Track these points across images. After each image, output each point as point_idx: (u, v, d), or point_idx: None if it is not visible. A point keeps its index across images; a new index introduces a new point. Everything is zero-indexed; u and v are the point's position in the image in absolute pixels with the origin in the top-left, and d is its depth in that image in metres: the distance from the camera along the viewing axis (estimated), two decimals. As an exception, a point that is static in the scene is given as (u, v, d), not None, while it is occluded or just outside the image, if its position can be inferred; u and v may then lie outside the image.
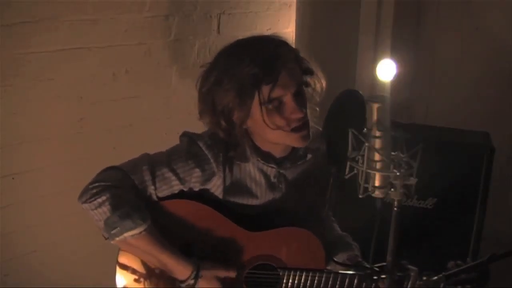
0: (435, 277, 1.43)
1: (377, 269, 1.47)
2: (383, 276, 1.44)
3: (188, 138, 1.64)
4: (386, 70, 1.20)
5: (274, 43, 1.56)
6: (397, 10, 3.13)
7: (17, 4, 2.01)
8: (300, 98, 1.55)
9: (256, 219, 1.65)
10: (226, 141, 1.60)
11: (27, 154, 2.15)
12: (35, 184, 2.20)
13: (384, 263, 1.31)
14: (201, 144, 1.60)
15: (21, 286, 2.20)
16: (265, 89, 1.49)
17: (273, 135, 1.56)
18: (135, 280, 1.60)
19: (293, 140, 1.58)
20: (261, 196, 1.66)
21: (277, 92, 1.50)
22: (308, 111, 1.60)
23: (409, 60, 3.04)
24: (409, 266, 1.40)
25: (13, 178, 2.13)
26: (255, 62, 1.49)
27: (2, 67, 2.01)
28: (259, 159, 1.62)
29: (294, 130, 1.54)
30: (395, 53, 3.06)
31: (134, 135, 2.46)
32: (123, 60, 2.38)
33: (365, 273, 1.49)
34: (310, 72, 1.60)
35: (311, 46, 3.08)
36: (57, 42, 2.14)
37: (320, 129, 1.74)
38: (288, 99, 1.52)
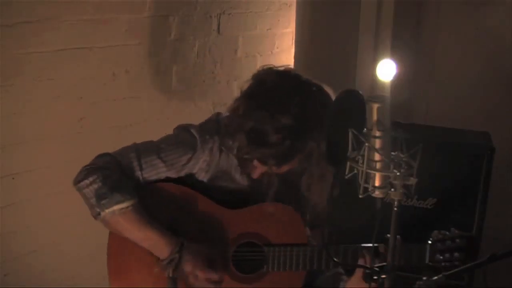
0: (435, 277, 1.42)
1: (377, 269, 1.47)
2: (383, 276, 1.44)
3: (181, 127, 1.71)
4: (386, 70, 1.20)
5: None
6: (397, 10, 3.13)
7: (17, 4, 2.01)
8: None
9: (238, 201, 1.70)
10: (219, 130, 1.66)
11: (27, 154, 2.15)
12: (35, 184, 2.20)
13: (384, 263, 1.31)
14: (192, 130, 1.67)
15: (21, 286, 2.20)
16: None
17: None
18: None
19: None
20: (244, 186, 1.71)
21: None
22: None
23: (409, 60, 3.03)
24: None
25: (13, 178, 2.13)
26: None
27: (2, 67, 2.01)
28: None
29: None
30: (395, 53, 3.05)
31: (134, 135, 2.44)
32: (123, 60, 2.38)
33: (365, 273, 1.49)
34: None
35: (311, 46, 3.08)
36: (57, 42, 2.14)
37: None
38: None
